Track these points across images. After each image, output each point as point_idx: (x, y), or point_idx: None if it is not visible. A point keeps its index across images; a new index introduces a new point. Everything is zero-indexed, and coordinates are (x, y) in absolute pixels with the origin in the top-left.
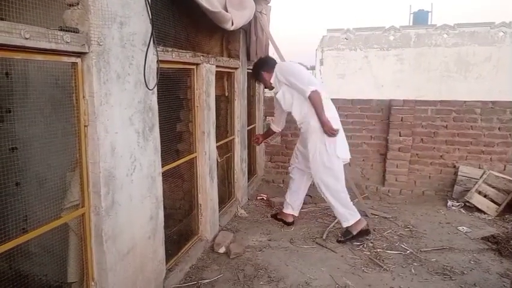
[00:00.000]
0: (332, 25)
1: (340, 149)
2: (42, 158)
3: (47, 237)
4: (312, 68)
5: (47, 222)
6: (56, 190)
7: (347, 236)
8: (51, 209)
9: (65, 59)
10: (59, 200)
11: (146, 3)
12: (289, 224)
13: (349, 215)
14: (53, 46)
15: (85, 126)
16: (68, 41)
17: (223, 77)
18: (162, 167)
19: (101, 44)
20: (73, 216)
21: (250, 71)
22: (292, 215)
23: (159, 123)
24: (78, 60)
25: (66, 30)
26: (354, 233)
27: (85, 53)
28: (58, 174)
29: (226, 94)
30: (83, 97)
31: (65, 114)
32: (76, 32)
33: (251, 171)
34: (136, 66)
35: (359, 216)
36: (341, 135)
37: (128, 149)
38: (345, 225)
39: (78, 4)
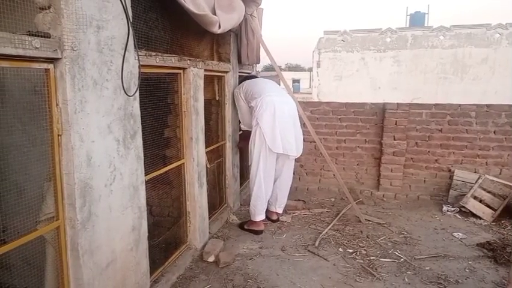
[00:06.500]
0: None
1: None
2: (15, 169)
3: (22, 250)
4: (310, 70)
5: (22, 234)
6: (31, 202)
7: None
8: (26, 222)
9: (36, 65)
10: (34, 212)
11: (123, 6)
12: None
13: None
14: (20, 52)
15: (58, 135)
16: (38, 46)
17: (214, 81)
18: (147, 175)
19: (75, 49)
20: (48, 229)
21: (242, 74)
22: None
23: (143, 130)
24: (50, 66)
25: (35, 35)
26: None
27: (57, 59)
28: (31, 186)
29: (217, 98)
30: (57, 105)
31: (37, 123)
32: (47, 37)
33: (243, 176)
34: (115, 72)
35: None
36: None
37: (107, 158)
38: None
39: (50, 7)
